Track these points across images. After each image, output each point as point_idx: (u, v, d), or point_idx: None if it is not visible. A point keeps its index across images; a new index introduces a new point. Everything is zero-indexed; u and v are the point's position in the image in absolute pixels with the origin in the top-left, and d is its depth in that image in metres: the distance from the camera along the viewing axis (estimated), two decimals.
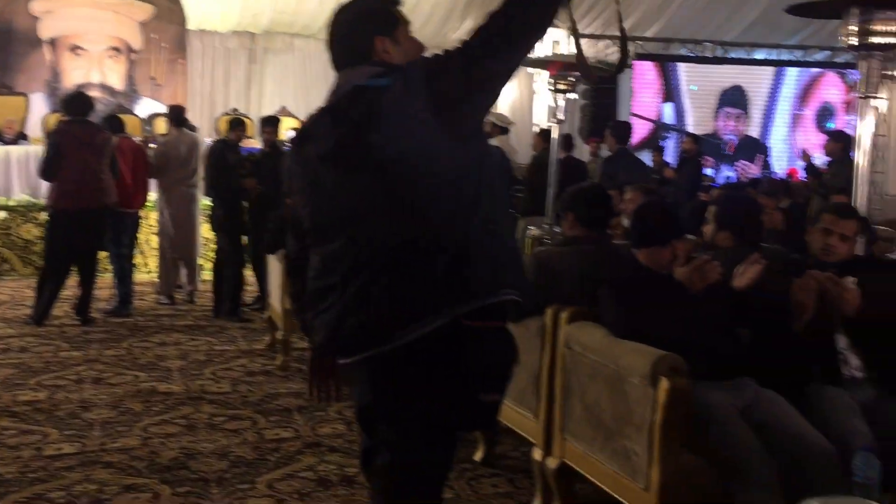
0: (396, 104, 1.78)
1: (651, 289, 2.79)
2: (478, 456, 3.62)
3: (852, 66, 3.70)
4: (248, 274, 6.79)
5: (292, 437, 3.89)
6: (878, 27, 3.49)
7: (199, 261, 7.34)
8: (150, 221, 7.63)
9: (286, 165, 2.10)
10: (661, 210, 3.16)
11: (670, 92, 12.34)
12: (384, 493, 1.93)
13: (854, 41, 3.50)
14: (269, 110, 9.72)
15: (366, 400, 1.95)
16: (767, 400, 2.66)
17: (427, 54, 1.91)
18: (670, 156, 11.35)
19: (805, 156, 9.43)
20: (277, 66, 11.86)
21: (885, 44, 3.47)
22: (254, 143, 8.74)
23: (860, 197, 3.68)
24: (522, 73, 10.67)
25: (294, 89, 11.64)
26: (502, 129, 7.19)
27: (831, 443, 2.47)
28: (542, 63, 7.18)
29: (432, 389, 1.84)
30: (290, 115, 10.20)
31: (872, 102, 3.67)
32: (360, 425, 2.04)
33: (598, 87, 11.30)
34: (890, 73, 11.22)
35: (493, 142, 6.99)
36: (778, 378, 2.76)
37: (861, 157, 3.72)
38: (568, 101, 6.98)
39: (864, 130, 3.70)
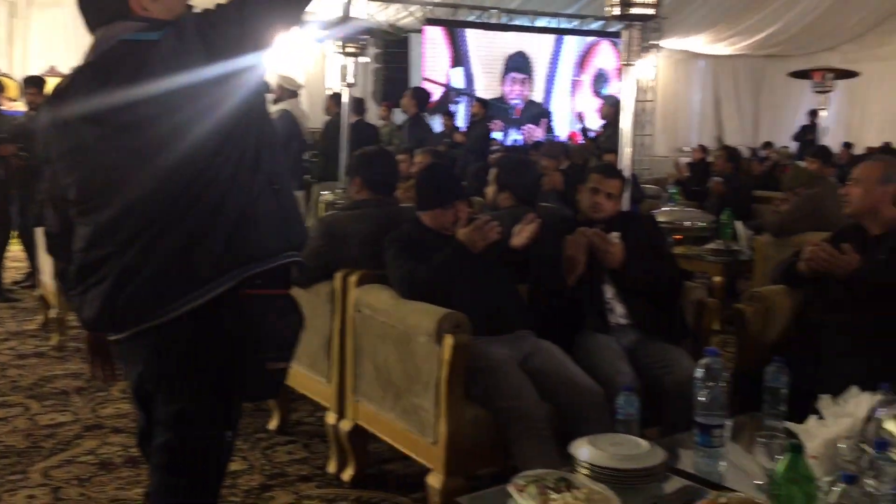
0: (169, 58, 1.69)
1: (435, 249, 2.86)
2: (272, 424, 3.59)
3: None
4: (18, 249, 6.24)
5: (70, 420, 3.65)
6: None
7: None
8: None
9: (40, 129, 1.90)
10: (444, 173, 3.24)
11: (459, 57, 12.62)
12: (164, 471, 1.85)
13: (617, 11, 3.74)
14: (35, 70, 8.89)
15: (143, 376, 1.86)
16: (543, 350, 2.83)
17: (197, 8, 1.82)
18: (460, 120, 11.65)
19: (580, 119, 10.02)
20: (44, 22, 10.84)
21: (644, 14, 3.73)
22: (18, 105, 7.98)
23: (625, 157, 3.96)
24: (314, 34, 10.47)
25: (64, 47, 10.68)
26: (291, 92, 7.02)
27: (599, 385, 2.68)
28: (331, 25, 7.09)
29: (215, 360, 1.79)
30: (59, 75, 9.38)
31: (634, 69, 3.95)
32: (136, 403, 1.94)
33: (389, 50, 11.36)
34: (654, 42, 12.14)
35: (283, 105, 6.81)
36: (553, 328, 2.94)
37: (625, 121, 3.99)
38: (359, 64, 6.94)
39: (627, 95, 3.98)
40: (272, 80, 6.75)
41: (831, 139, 11.21)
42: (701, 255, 5.31)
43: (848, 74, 10.29)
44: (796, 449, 1.56)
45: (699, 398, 2.14)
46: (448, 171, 3.44)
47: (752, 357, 2.94)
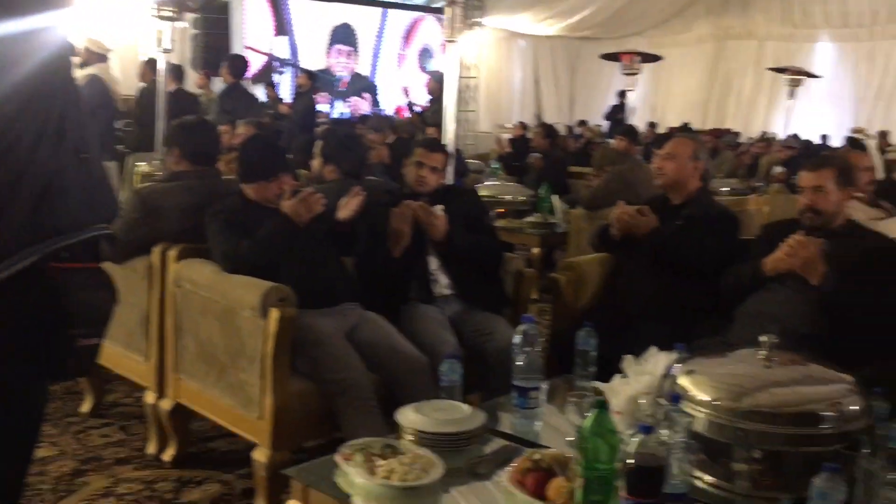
0: None
1: (259, 223, 2.81)
2: (85, 407, 3.41)
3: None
4: None
5: None
6: None
7: None
8: None
9: None
10: (267, 144, 3.18)
11: (283, 26, 12.34)
12: None
13: None
14: None
15: None
16: (370, 321, 2.87)
17: None
18: (285, 91, 11.42)
19: (405, 93, 10.13)
20: None
21: None
22: None
23: (449, 133, 4.05)
24: None
25: None
26: (100, 56, 6.59)
27: (424, 354, 2.75)
28: None
29: (20, 338, 1.68)
30: None
31: (457, 46, 4.04)
32: None
33: (208, 16, 10.90)
34: (477, 20, 12.43)
35: (91, 70, 6.39)
36: (379, 300, 2.98)
37: (449, 97, 4.08)
38: (176, 29, 6.62)
39: (450, 72, 4.06)
40: (78, 42, 6.32)
41: (638, 119, 11.98)
42: (521, 227, 5.53)
43: (653, 58, 11.02)
44: (602, 406, 1.68)
45: (517, 363, 2.25)
46: (272, 143, 3.38)
47: (565, 323, 3.11)
